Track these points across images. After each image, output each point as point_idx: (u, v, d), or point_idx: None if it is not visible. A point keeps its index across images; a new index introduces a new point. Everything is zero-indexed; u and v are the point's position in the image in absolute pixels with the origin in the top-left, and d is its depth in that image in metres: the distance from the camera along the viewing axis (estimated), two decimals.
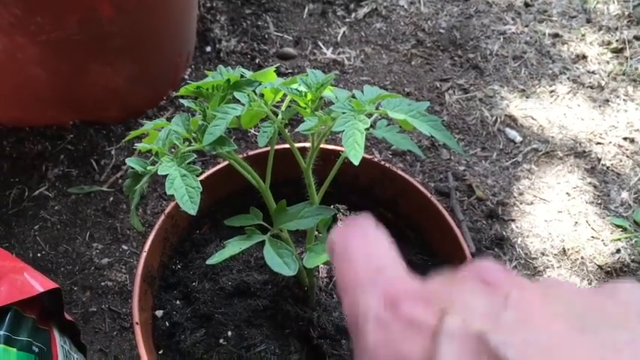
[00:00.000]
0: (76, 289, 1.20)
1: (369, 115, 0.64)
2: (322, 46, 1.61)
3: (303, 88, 0.70)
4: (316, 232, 0.78)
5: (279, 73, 1.56)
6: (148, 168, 0.67)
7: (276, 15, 1.67)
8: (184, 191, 0.64)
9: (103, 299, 1.19)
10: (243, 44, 1.58)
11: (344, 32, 1.65)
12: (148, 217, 1.29)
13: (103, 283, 1.21)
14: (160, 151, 0.68)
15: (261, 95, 0.72)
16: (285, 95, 0.73)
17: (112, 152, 1.37)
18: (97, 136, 1.37)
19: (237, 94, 0.69)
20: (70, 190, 1.31)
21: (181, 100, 0.72)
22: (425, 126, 0.64)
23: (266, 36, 1.62)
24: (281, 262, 0.65)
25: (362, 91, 0.71)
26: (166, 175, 0.65)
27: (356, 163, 0.59)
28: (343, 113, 0.63)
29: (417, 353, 0.24)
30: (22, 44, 1.11)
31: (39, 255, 1.23)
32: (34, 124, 1.34)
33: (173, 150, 0.69)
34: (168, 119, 1.49)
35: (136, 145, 0.68)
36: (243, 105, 0.67)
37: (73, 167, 1.34)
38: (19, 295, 0.79)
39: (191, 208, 0.63)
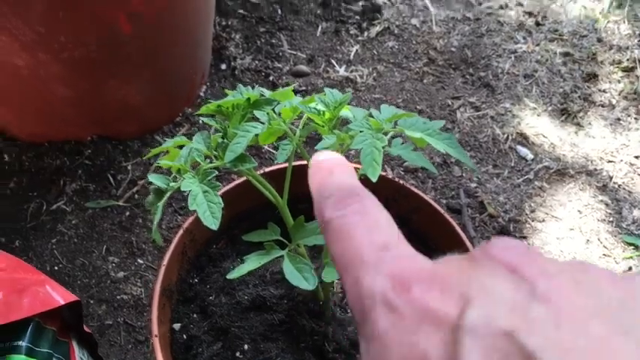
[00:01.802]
0: (92, 302, 1.21)
1: (386, 134, 0.66)
2: (335, 64, 1.64)
3: (321, 107, 0.72)
4: None
5: (293, 91, 1.58)
6: (171, 184, 0.69)
7: (289, 33, 1.70)
8: (206, 207, 0.65)
9: (118, 312, 1.21)
10: (257, 62, 1.61)
11: (357, 50, 1.68)
12: (163, 232, 1.31)
13: (118, 297, 1.22)
14: (182, 168, 0.70)
15: (279, 113, 0.74)
16: (302, 113, 0.75)
17: (129, 167, 1.39)
18: (114, 152, 1.39)
19: (257, 113, 0.71)
20: (87, 204, 1.33)
21: (203, 119, 0.74)
22: (440, 144, 0.65)
23: (280, 54, 1.64)
24: (300, 277, 0.66)
25: (378, 110, 0.73)
26: (188, 192, 0.67)
27: (374, 180, 0.61)
28: (361, 132, 0.64)
29: (434, 348, 0.22)
30: (44, 61, 1.14)
31: (56, 268, 1.25)
32: (53, 140, 1.37)
33: (194, 167, 0.71)
34: (185, 135, 1.52)
35: (158, 162, 0.70)
36: (263, 123, 0.69)
37: (91, 182, 1.36)
38: (40, 307, 0.81)
39: (213, 224, 0.64)
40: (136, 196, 1.36)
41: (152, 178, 0.70)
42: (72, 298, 0.85)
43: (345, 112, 0.74)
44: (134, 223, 1.32)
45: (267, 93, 0.76)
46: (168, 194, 0.69)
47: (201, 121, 1.48)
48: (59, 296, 0.84)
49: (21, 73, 1.17)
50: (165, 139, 1.44)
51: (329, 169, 0.34)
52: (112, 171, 1.38)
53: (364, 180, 0.70)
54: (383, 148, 0.62)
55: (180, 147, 0.74)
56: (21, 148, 1.39)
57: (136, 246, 1.29)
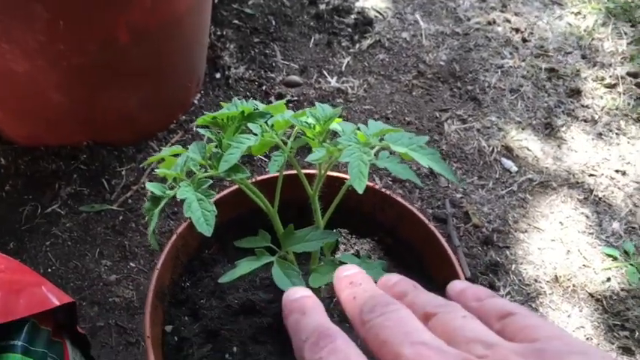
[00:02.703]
0: (84, 304, 1.24)
1: (373, 148, 0.69)
2: (327, 75, 1.68)
3: (311, 121, 0.76)
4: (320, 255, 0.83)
5: (285, 103, 1.62)
6: (167, 192, 0.72)
7: (283, 44, 1.74)
8: (200, 214, 0.69)
9: (110, 314, 1.24)
10: (251, 71, 1.65)
11: (348, 62, 1.72)
12: (156, 236, 1.34)
13: (110, 299, 1.25)
14: (178, 177, 0.73)
15: (272, 126, 0.77)
16: (293, 125, 0.79)
17: (123, 173, 1.42)
18: (108, 157, 1.42)
19: (250, 125, 0.75)
20: (81, 208, 1.36)
21: (199, 130, 0.78)
22: (424, 158, 0.69)
23: (273, 64, 1.68)
24: (288, 282, 0.70)
25: (366, 125, 0.76)
26: (183, 199, 0.70)
27: (360, 192, 0.65)
28: (349, 145, 0.68)
29: None
30: (43, 68, 1.17)
31: (49, 270, 1.28)
32: (49, 144, 1.40)
33: (189, 175, 0.74)
34: (179, 142, 1.55)
35: (156, 170, 0.73)
36: (256, 135, 0.73)
37: (85, 186, 1.39)
38: (37, 308, 0.83)
39: (206, 230, 0.68)
40: (130, 200, 1.39)
41: (149, 185, 0.73)
42: (67, 299, 0.88)
43: (335, 125, 0.78)
44: (127, 227, 1.35)
45: (261, 106, 0.79)
46: (164, 201, 0.72)
47: (194, 129, 1.52)
48: (55, 297, 0.87)
49: (20, 79, 1.20)
50: (159, 146, 1.47)
51: (301, 310, 0.39)
52: (106, 176, 1.41)
53: (351, 190, 0.74)
54: (369, 161, 0.66)
55: (176, 155, 0.78)
56: (17, 152, 1.41)
57: (129, 250, 1.32)
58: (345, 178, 0.89)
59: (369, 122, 0.74)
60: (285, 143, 0.76)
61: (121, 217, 1.36)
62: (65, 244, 1.32)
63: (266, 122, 0.76)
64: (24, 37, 1.09)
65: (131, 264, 1.30)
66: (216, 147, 0.78)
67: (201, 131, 0.77)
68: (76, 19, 1.09)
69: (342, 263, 0.76)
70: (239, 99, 0.81)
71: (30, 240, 1.31)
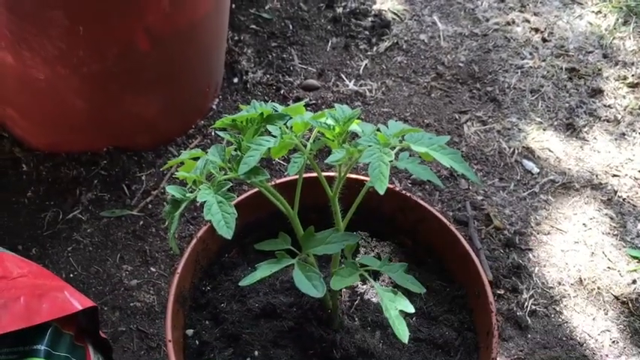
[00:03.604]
0: (106, 309, 1.25)
1: (393, 148, 0.69)
2: (345, 78, 1.67)
3: (331, 122, 0.75)
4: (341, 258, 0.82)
5: (304, 106, 1.62)
6: (187, 195, 0.72)
7: (300, 48, 1.74)
8: (220, 217, 0.68)
9: (131, 319, 1.24)
10: (268, 76, 1.65)
11: (366, 65, 1.71)
12: (176, 241, 1.34)
13: (132, 304, 1.26)
14: (197, 180, 0.73)
15: (291, 127, 0.77)
16: (312, 128, 0.78)
17: (143, 178, 1.43)
18: (128, 162, 1.43)
19: (269, 127, 0.75)
20: (102, 213, 1.37)
21: (218, 132, 0.78)
22: (445, 158, 0.68)
23: (291, 68, 1.68)
24: (309, 285, 0.69)
25: (386, 125, 0.76)
26: (203, 202, 0.70)
27: (381, 192, 0.64)
28: (369, 146, 0.68)
29: None
30: (63, 75, 1.18)
31: (71, 275, 1.29)
32: (70, 150, 1.41)
33: (209, 178, 0.74)
34: (197, 147, 1.56)
35: (175, 174, 0.73)
36: (276, 137, 0.73)
37: (106, 192, 1.40)
38: (59, 313, 0.84)
39: (227, 233, 0.68)
40: (150, 205, 1.40)
41: (169, 188, 0.73)
42: (89, 303, 0.88)
43: (354, 126, 0.77)
44: (147, 232, 1.36)
45: (280, 108, 0.79)
46: (184, 204, 0.72)
47: (213, 134, 1.52)
48: (77, 302, 0.87)
49: (40, 86, 1.21)
50: (178, 151, 1.47)
51: None
52: (126, 181, 1.42)
53: (371, 192, 0.73)
54: (390, 162, 0.65)
55: (195, 159, 0.78)
56: (39, 158, 1.43)
57: (149, 254, 1.33)
58: (365, 180, 0.88)
59: (389, 122, 0.74)
60: (305, 145, 0.76)
61: (141, 222, 1.37)
62: (87, 249, 1.33)
63: (285, 124, 0.76)
64: (44, 44, 1.11)
65: (152, 269, 1.31)
66: (235, 150, 0.78)
67: (221, 134, 0.77)
68: (96, 25, 1.10)
69: (363, 266, 0.75)
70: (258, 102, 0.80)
71: (52, 246, 1.32)
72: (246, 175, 0.70)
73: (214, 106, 1.57)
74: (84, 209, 1.38)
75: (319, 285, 0.69)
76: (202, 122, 1.54)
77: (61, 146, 1.41)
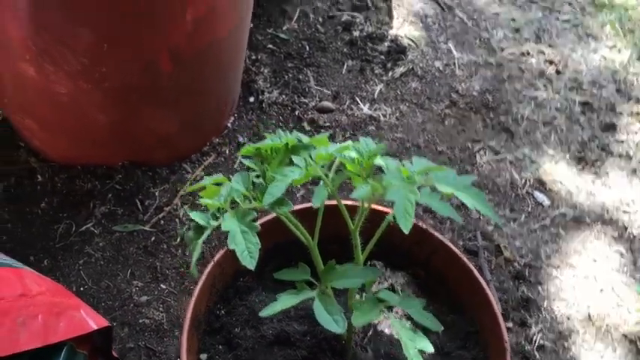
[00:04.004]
0: (115, 324, 1.24)
1: (419, 188, 0.69)
2: (359, 102, 1.69)
3: (354, 155, 0.76)
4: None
5: (317, 126, 1.63)
6: (211, 222, 0.72)
7: (316, 70, 1.75)
8: (244, 247, 0.69)
9: (140, 336, 1.24)
10: (284, 96, 1.66)
11: (381, 89, 1.72)
12: (187, 259, 1.35)
13: (140, 321, 1.26)
14: (221, 207, 0.73)
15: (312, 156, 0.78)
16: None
17: (156, 194, 1.43)
18: (143, 178, 1.44)
19: (294, 158, 0.75)
20: (114, 227, 1.38)
21: (243, 161, 0.78)
22: (470, 199, 0.69)
23: (306, 89, 1.69)
24: (330, 319, 0.69)
25: (410, 161, 0.76)
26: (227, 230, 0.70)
27: (406, 232, 0.64)
28: (395, 184, 0.68)
29: None
30: (84, 90, 1.20)
31: (82, 289, 1.29)
32: (86, 163, 1.42)
33: (233, 205, 0.75)
34: (211, 165, 1.56)
35: (202, 202, 0.73)
36: (300, 168, 0.73)
37: (119, 206, 1.41)
38: (75, 332, 0.84)
39: (250, 263, 0.68)
40: (162, 222, 1.40)
41: (193, 215, 0.74)
42: (104, 323, 0.89)
43: (377, 159, 0.78)
44: (159, 249, 1.36)
45: (304, 138, 0.80)
46: (208, 232, 0.73)
47: (227, 152, 1.53)
48: (92, 321, 0.87)
49: (61, 99, 1.22)
50: (192, 168, 1.48)
51: None
52: (140, 196, 1.42)
53: (395, 226, 0.74)
54: (416, 201, 0.66)
55: (218, 184, 0.79)
56: (54, 170, 1.43)
57: (160, 271, 1.33)
58: (386, 212, 0.89)
59: (414, 159, 0.74)
60: (327, 175, 0.76)
61: (153, 238, 1.37)
62: (98, 263, 1.33)
63: (310, 155, 0.77)
64: (68, 59, 1.12)
65: (162, 285, 1.31)
66: (257, 177, 0.78)
67: (245, 161, 0.78)
68: (121, 42, 1.12)
69: (382, 301, 0.75)
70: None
71: (64, 258, 1.33)
72: (270, 206, 0.71)
73: (229, 124, 1.58)
74: (97, 222, 1.38)
75: (340, 320, 0.69)
76: (217, 140, 1.54)
77: (78, 159, 1.42)
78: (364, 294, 0.83)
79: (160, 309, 1.28)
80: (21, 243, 1.34)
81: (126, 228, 1.38)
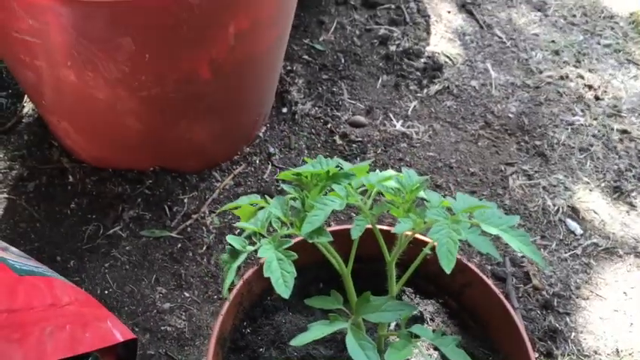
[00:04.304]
0: (137, 329, 1.25)
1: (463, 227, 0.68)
2: (392, 118, 1.67)
3: (396, 185, 0.74)
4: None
5: (349, 141, 1.62)
6: (247, 247, 0.71)
7: (351, 83, 1.74)
8: (279, 275, 0.68)
9: (161, 343, 1.24)
10: (317, 108, 1.65)
11: (414, 106, 1.71)
12: (212, 268, 1.34)
13: (162, 328, 1.25)
14: (258, 232, 0.72)
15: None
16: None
17: (185, 200, 1.43)
18: (172, 184, 1.44)
19: (335, 187, 0.74)
20: (142, 232, 1.38)
21: (282, 186, 0.77)
22: (514, 241, 0.67)
23: (340, 102, 1.68)
24: (363, 354, 0.68)
25: (453, 197, 0.75)
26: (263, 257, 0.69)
27: (448, 271, 0.63)
28: (438, 221, 0.67)
29: None
30: (122, 97, 1.20)
31: (106, 292, 1.29)
32: (117, 167, 1.43)
33: (269, 230, 0.74)
34: (240, 174, 1.56)
35: (239, 226, 0.72)
36: (342, 198, 0.72)
37: (147, 211, 1.41)
38: (101, 343, 0.84)
39: (285, 292, 0.67)
40: (189, 229, 1.40)
41: (229, 238, 0.73)
42: (130, 335, 0.88)
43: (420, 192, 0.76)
44: (184, 256, 1.36)
45: (345, 165, 0.79)
46: (243, 256, 0.72)
47: (257, 162, 1.52)
48: (119, 333, 0.87)
49: (99, 105, 1.22)
50: (222, 176, 1.48)
51: None
52: (168, 202, 1.42)
53: (431, 257, 0.72)
54: (459, 240, 0.64)
55: (253, 205, 0.78)
56: (85, 171, 1.44)
57: (184, 279, 1.33)
58: (421, 241, 0.87)
59: (457, 195, 0.73)
60: (365, 202, 0.75)
61: (179, 245, 1.37)
62: (123, 267, 1.33)
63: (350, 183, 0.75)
64: (109, 66, 1.12)
65: (185, 293, 1.31)
66: (293, 199, 0.77)
67: (284, 187, 0.77)
68: (162, 53, 1.11)
69: (416, 337, 0.74)
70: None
71: (90, 260, 1.33)
72: (309, 236, 0.70)
73: (261, 134, 1.58)
74: (124, 226, 1.38)
75: (373, 356, 0.67)
76: (248, 149, 1.54)
77: (110, 162, 1.42)
78: (395, 325, 0.82)
79: (183, 317, 1.27)
80: (49, 242, 1.35)
81: (153, 233, 1.38)
